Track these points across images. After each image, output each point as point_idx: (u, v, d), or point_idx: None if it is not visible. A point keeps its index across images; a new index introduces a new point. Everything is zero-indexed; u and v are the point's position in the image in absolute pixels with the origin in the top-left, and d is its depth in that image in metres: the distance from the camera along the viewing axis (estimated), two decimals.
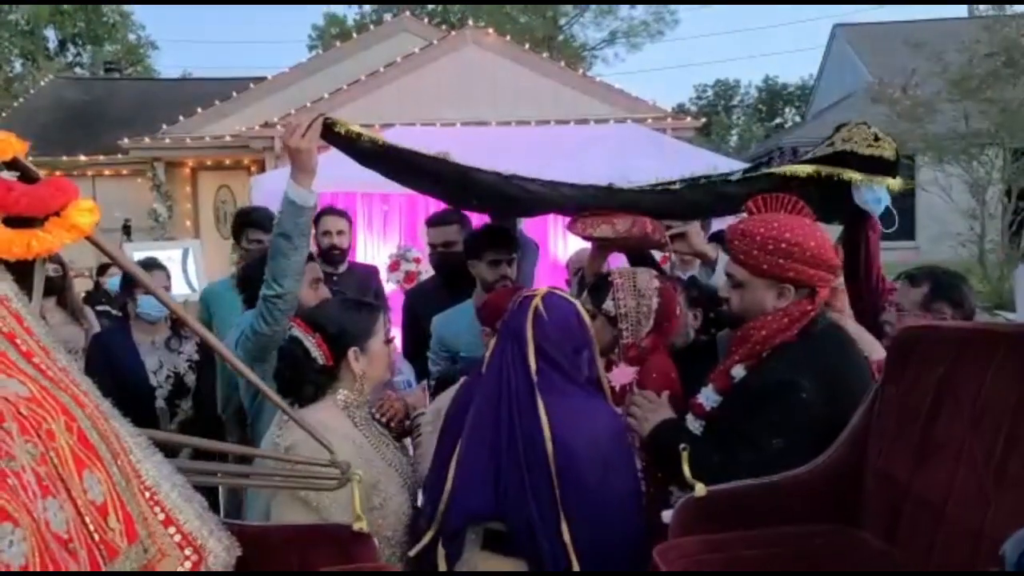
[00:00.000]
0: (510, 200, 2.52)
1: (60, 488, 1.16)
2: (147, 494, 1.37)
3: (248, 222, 3.82)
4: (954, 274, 2.69)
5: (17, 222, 1.32)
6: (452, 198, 3.02)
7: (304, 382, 1.98)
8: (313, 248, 3.34)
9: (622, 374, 2.16)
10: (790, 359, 1.88)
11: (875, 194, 2.26)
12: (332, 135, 2.33)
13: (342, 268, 4.13)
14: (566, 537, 1.81)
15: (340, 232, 4.09)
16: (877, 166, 2.27)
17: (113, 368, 3.24)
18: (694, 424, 2.01)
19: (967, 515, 1.38)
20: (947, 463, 1.45)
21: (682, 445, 1.84)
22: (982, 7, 15.75)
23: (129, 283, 3.45)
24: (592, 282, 2.47)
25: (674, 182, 2.55)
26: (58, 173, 14.37)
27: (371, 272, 4.61)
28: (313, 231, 4.19)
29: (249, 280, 2.71)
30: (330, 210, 4.21)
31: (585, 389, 1.99)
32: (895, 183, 2.29)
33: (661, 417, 1.99)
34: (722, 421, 1.94)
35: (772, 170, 2.38)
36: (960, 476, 1.42)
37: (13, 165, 1.37)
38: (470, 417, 1.95)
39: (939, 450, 1.48)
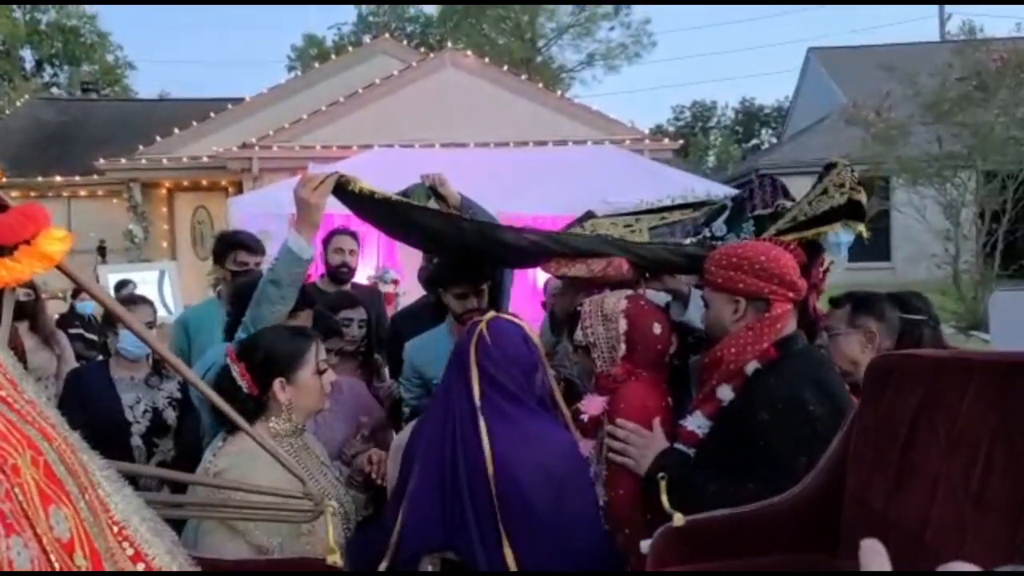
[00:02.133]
0: (529, 256, 2.52)
1: (25, 525, 1.13)
2: (116, 528, 1.34)
3: (235, 243, 3.78)
4: (874, 293, 2.84)
5: None
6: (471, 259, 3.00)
7: (234, 408, 1.97)
8: (316, 267, 3.30)
9: (592, 404, 2.12)
10: (784, 376, 1.89)
11: (842, 238, 2.31)
12: (344, 193, 2.31)
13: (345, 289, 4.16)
14: (509, 560, 1.80)
15: (352, 251, 4.17)
16: (854, 209, 2.32)
17: (87, 402, 3.13)
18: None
19: (945, 542, 1.38)
20: (925, 490, 1.45)
21: (660, 474, 1.83)
22: (953, 31, 16.07)
23: (111, 317, 3.36)
24: (562, 317, 2.48)
25: (679, 242, 2.56)
26: (33, 194, 14.24)
27: (374, 296, 4.63)
28: (322, 249, 4.25)
29: (239, 308, 2.64)
30: (343, 230, 4.25)
31: (534, 411, 1.99)
32: (863, 228, 2.35)
33: (657, 449, 1.97)
34: (719, 446, 1.92)
35: (771, 234, 2.36)
36: (938, 503, 1.42)
37: None
38: (420, 447, 1.97)
39: (916, 477, 1.48)
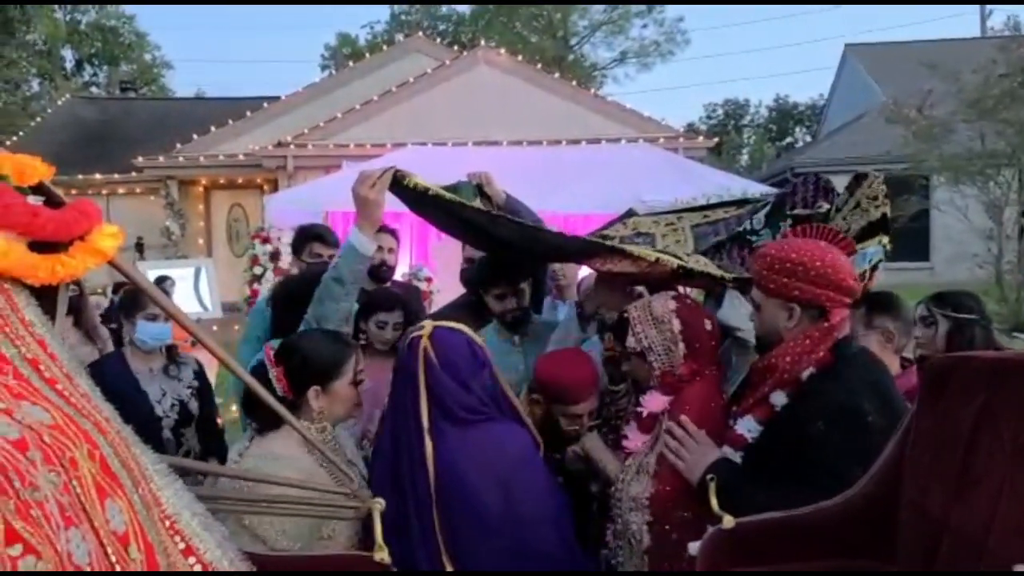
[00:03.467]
0: (571, 256, 2.51)
1: (83, 518, 1.14)
2: (167, 523, 1.35)
3: (311, 235, 3.83)
4: (887, 293, 2.84)
5: (41, 246, 1.31)
6: (518, 258, 2.96)
7: (265, 409, 1.91)
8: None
9: (653, 401, 2.12)
10: (841, 382, 1.85)
11: (868, 249, 2.29)
12: (399, 188, 2.30)
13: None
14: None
15: (391, 249, 4.14)
16: (884, 222, 2.30)
17: (113, 398, 3.10)
18: (733, 457, 1.95)
19: (1010, 549, 1.34)
20: (987, 496, 1.40)
21: (709, 476, 1.80)
22: (996, 27, 15.75)
23: (129, 307, 3.33)
24: (612, 322, 2.47)
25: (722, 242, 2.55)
26: (73, 191, 14.52)
27: (413, 293, 4.61)
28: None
29: (285, 301, 2.63)
30: (383, 227, 4.25)
31: (481, 416, 1.99)
32: (887, 241, 2.34)
33: (710, 459, 1.94)
34: (770, 451, 1.88)
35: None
36: (1001, 509, 1.38)
37: (38, 189, 1.36)
38: (376, 460, 2.04)
39: (978, 483, 1.43)
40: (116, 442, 1.31)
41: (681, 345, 2.13)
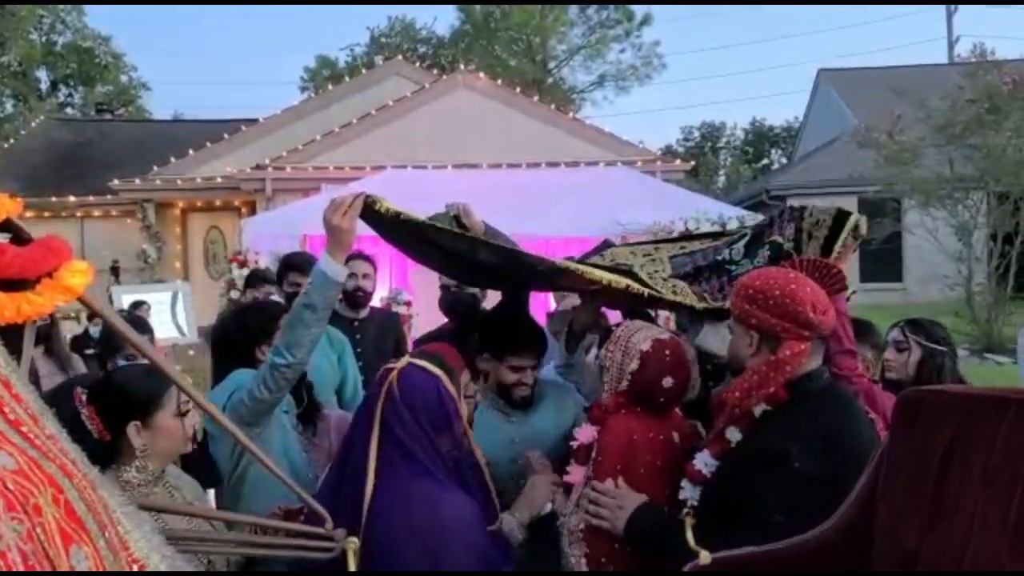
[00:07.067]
0: (546, 280, 2.53)
1: (46, 566, 1.12)
2: (136, 567, 1.33)
3: (290, 265, 3.92)
4: (864, 320, 2.88)
5: (7, 283, 1.29)
6: (494, 286, 2.96)
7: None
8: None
9: (584, 433, 2.16)
10: (783, 424, 1.84)
11: None
12: (372, 213, 2.26)
13: (363, 313, 4.14)
14: None
15: (366, 275, 4.14)
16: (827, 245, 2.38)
17: None
18: (691, 491, 1.94)
19: None
20: (959, 527, 1.42)
21: (685, 510, 1.80)
22: (963, 54, 16.13)
23: (109, 347, 3.31)
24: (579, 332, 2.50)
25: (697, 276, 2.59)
26: (47, 214, 14.36)
27: (392, 319, 4.61)
28: None
29: (225, 341, 2.62)
30: (358, 254, 4.22)
31: (434, 474, 1.88)
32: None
33: (632, 506, 1.94)
34: (720, 490, 1.89)
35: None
36: (973, 540, 1.39)
37: (4, 226, 1.34)
38: (321, 491, 1.98)
39: (950, 514, 1.45)
40: (83, 485, 1.28)
41: (625, 382, 2.15)
